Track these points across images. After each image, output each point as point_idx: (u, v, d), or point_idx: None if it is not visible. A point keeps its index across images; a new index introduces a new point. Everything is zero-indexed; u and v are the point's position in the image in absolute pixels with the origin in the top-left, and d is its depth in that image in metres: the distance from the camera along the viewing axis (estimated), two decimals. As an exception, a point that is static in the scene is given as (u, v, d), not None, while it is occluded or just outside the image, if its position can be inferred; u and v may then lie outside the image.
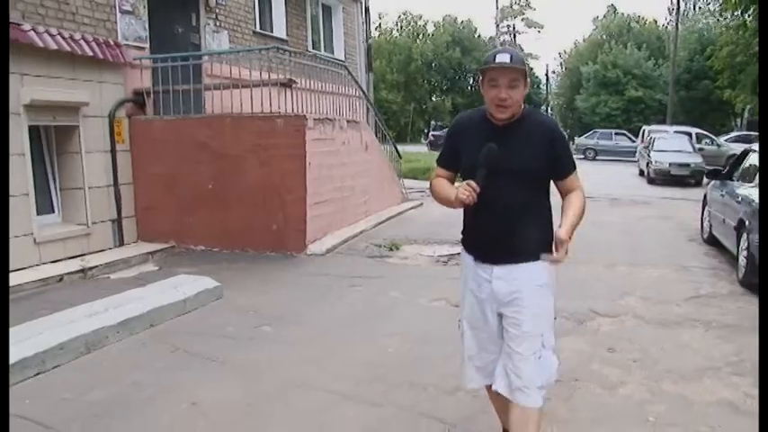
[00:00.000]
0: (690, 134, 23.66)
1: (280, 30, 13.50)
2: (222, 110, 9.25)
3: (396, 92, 46.08)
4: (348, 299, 6.26)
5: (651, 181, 19.24)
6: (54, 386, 4.07)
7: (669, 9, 44.40)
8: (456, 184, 2.74)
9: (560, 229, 2.65)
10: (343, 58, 16.05)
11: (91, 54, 8.21)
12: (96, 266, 7.57)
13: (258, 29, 12.63)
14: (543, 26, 71.46)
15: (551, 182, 2.79)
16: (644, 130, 25.27)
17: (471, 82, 49.65)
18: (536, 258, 2.67)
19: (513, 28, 55.83)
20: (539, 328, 2.71)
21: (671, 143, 20.54)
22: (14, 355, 4.08)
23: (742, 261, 6.49)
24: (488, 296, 2.75)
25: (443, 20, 52.91)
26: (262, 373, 4.31)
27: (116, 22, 8.94)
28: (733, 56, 18.14)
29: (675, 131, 23.78)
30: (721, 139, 26.54)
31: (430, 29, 52.50)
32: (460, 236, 2.91)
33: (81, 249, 8.10)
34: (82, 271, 7.37)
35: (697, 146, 22.63)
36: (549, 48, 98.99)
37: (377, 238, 9.11)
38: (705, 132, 26.22)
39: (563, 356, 3.44)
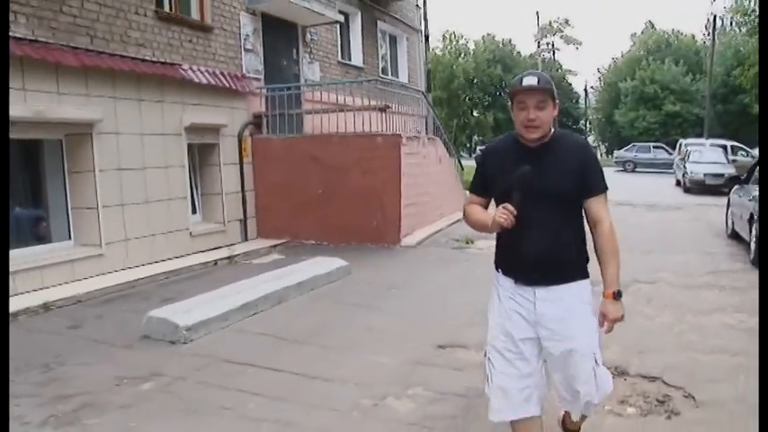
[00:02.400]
0: (725, 147, 25.13)
1: (357, 59, 15.62)
2: (321, 130, 11.32)
3: (439, 108, 47.99)
4: (446, 273, 8.21)
5: (687, 190, 20.82)
6: (267, 320, 6.08)
7: (706, 25, 45.63)
8: (490, 209, 2.80)
9: (605, 299, 2.78)
10: (406, 81, 18.11)
11: (227, 86, 10.35)
12: (238, 255, 9.64)
13: (341, 59, 14.73)
14: (582, 42, 73.19)
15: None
16: (680, 143, 26.78)
17: (512, 98, 51.22)
18: (575, 279, 2.76)
19: (553, 45, 57.48)
20: (591, 347, 2.76)
21: (706, 155, 22.10)
22: (237, 301, 6.12)
23: (753, 246, 8.29)
24: (531, 317, 2.76)
25: (483, 39, 54.90)
26: (404, 312, 6.29)
27: (241, 59, 11.08)
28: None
29: (711, 144, 25.27)
30: (755, 151, 27.89)
31: (471, 47, 54.36)
32: (494, 259, 2.94)
33: (219, 243, 10.18)
34: (229, 258, 9.44)
35: (732, 157, 24.09)
36: (587, 63, 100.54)
37: (453, 234, 11.05)
38: (740, 145, 27.60)
39: (627, 300, 5.28)
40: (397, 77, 18.04)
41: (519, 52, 56.16)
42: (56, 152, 8.15)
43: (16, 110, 7.02)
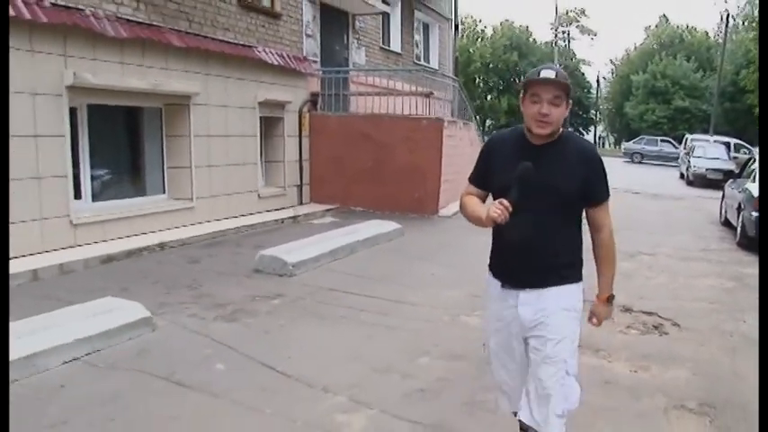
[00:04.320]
0: (728, 144, 26.64)
1: (396, 45, 17.08)
2: (365, 110, 12.82)
3: (455, 90, 49.27)
4: (480, 239, 9.75)
5: (690, 183, 22.35)
6: (348, 264, 7.65)
7: (718, 24, 46.73)
8: (487, 202, 2.68)
9: (598, 302, 2.83)
10: (437, 67, 19.56)
11: (292, 67, 11.85)
12: (299, 216, 11.21)
13: (382, 45, 16.20)
14: (597, 33, 74.12)
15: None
16: (686, 138, 28.27)
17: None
18: (563, 283, 2.67)
19: (568, 34, 58.67)
20: (561, 353, 2.64)
21: (709, 151, 23.61)
22: (324, 248, 7.69)
23: (738, 230, 9.86)
24: (514, 323, 2.71)
25: (501, 24, 56.03)
26: (455, 264, 7.87)
27: (303, 43, 12.57)
28: (762, 79, 21.15)
29: (715, 141, 26.77)
30: (757, 149, 29.34)
31: (489, 32, 55.50)
32: (488, 261, 2.88)
33: (280, 205, 11.74)
34: (294, 218, 11.01)
35: (734, 155, 25.59)
36: (600, 54, 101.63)
37: (481, 208, 12.60)
38: (742, 143, 29.09)
39: (629, 268, 6.90)
40: (429, 63, 19.51)
41: (535, 40, 57.28)
42: (155, 119, 9.66)
43: (139, 83, 8.58)
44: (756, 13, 21.38)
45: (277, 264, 7.00)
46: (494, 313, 2.83)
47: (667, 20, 57.12)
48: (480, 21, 56.80)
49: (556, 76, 2.55)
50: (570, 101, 2.61)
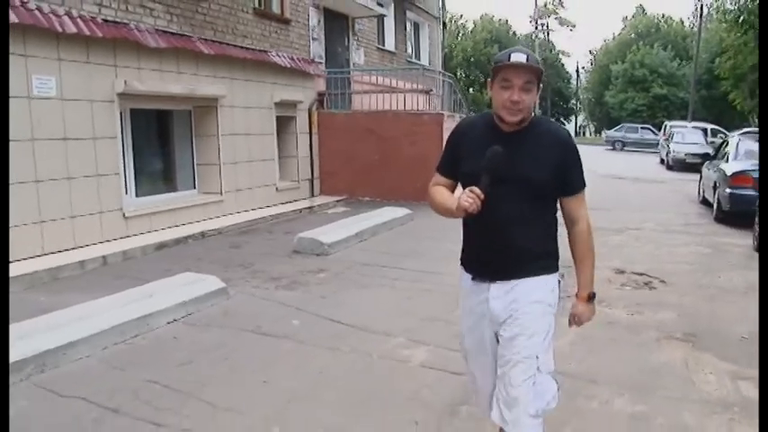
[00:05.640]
0: (705, 130, 27.94)
1: (390, 44, 18.09)
2: (366, 107, 13.83)
3: (439, 84, 50.36)
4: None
5: (670, 168, 23.56)
6: (375, 244, 8.66)
7: (693, 13, 48.19)
8: (456, 192, 2.55)
9: (578, 301, 2.67)
10: (427, 63, 20.58)
11: (302, 69, 12.82)
12: (315, 206, 12.20)
13: (378, 45, 17.19)
14: (575, 25, 75.49)
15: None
16: (665, 125, 29.54)
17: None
18: (535, 274, 2.53)
19: (547, 26, 59.92)
20: (532, 349, 2.48)
21: (687, 137, 24.83)
22: (344, 233, 8.66)
23: (715, 206, 11.00)
24: (486, 317, 2.58)
25: (481, 18, 57.20)
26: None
27: (310, 46, 13.54)
28: (735, 68, 22.38)
29: (693, 127, 28.04)
30: (733, 134, 30.69)
31: (469, 27, 56.62)
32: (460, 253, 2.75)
33: (294, 197, 12.72)
34: (310, 208, 12.00)
35: (711, 140, 26.85)
36: (579, 45, 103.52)
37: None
38: (719, 128, 30.41)
39: (619, 240, 7.98)
40: (419, 60, 20.53)
41: (515, 33, 58.53)
42: (185, 120, 10.60)
43: (176, 88, 9.53)
44: (726, 6, 22.56)
45: (314, 244, 8.00)
46: (466, 309, 2.71)
47: (644, 10, 58.69)
48: (461, 16, 58.10)
49: (527, 60, 2.38)
50: (541, 85, 2.46)
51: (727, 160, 11.18)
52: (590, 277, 2.64)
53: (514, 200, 2.46)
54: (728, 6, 21.56)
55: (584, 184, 2.58)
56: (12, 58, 7.09)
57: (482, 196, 2.32)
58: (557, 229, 2.60)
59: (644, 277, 6.87)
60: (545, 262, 2.58)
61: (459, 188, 2.57)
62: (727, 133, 29.93)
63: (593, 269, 2.64)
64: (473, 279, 2.64)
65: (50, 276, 6.90)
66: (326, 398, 3.94)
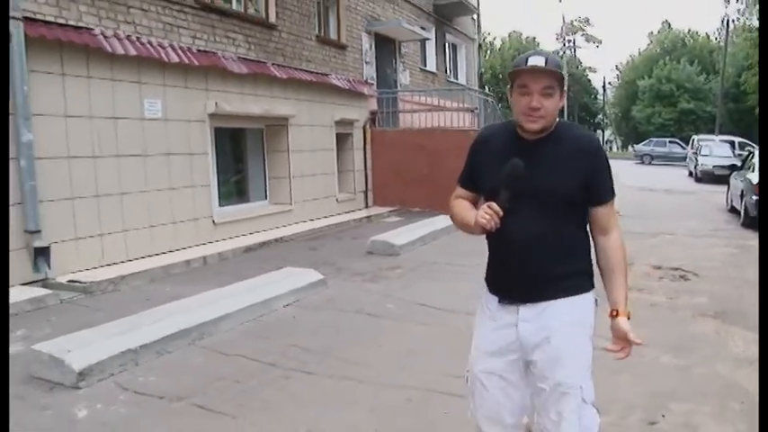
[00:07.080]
0: (732, 142, 28.72)
1: (432, 66, 19.27)
2: (411, 125, 15.00)
3: (468, 100, 51.55)
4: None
5: (698, 180, 24.38)
6: (437, 247, 9.73)
7: (719, 29, 48.82)
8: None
9: (620, 316, 2.37)
10: (465, 82, 21.73)
11: (357, 90, 14.01)
12: (371, 216, 13.34)
13: (421, 66, 18.38)
14: (601, 41, 76.33)
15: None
16: (693, 139, 30.36)
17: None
18: (567, 294, 2.33)
19: (574, 42, 60.86)
20: (575, 378, 2.28)
21: (715, 150, 25.69)
22: (410, 237, 9.77)
23: (742, 213, 11.96)
24: (514, 343, 2.36)
25: (509, 36, 58.37)
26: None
27: (363, 69, 14.74)
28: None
29: (720, 140, 28.85)
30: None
31: (497, 44, 57.78)
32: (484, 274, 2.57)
33: (351, 208, 13.87)
34: (368, 217, 13.15)
35: (738, 152, 27.59)
36: (606, 60, 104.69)
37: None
38: (746, 141, 31.10)
39: (654, 242, 8.99)
40: (457, 80, 21.69)
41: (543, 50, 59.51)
42: (257, 137, 11.81)
43: (255, 108, 10.74)
44: (752, 23, 23.46)
45: (386, 246, 9.12)
46: (487, 334, 2.45)
47: (669, 25, 59.34)
48: (489, 33, 59.11)
49: (546, 63, 2.22)
50: (564, 90, 2.31)
51: (753, 170, 12.13)
52: (625, 293, 2.40)
53: (538, 215, 2.28)
54: (754, 23, 22.43)
55: (614, 193, 2.40)
56: (128, 85, 8.39)
57: (500, 212, 2.20)
58: (589, 244, 2.42)
59: (679, 271, 7.89)
60: (577, 280, 2.37)
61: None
62: (755, 146, 30.80)
63: (627, 284, 2.42)
64: (500, 302, 2.43)
65: (164, 272, 8.09)
66: (437, 352, 5.02)
